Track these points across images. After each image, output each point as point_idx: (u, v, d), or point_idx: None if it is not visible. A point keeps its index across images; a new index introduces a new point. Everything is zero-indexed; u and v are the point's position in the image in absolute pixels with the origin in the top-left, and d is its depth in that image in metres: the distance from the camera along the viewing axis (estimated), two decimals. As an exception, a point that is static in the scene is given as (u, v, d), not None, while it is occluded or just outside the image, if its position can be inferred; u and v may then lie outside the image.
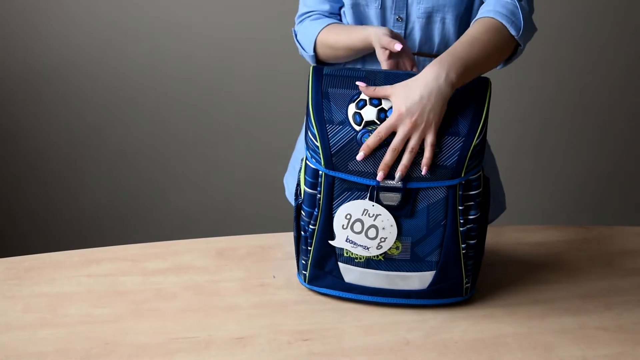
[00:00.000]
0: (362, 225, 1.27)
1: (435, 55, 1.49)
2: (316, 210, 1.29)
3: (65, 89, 2.64)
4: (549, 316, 1.32)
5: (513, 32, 1.37)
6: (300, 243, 1.35)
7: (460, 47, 1.29)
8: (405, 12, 1.47)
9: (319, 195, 1.28)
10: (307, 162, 1.29)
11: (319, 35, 1.50)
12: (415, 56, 1.48)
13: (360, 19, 1.50)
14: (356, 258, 1.31)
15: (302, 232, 1.33)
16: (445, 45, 1.49)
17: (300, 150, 1.69)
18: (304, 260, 1.35)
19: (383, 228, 1.26)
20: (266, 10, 2.62)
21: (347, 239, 1.28)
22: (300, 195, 1.32)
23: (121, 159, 2.75)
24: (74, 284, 1.39)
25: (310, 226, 1.30)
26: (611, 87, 2.91)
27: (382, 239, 1.27)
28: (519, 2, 1.40)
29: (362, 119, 1.25)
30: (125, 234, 2.76)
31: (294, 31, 1.57)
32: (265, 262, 1.47)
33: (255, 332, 1.26)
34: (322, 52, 1.51)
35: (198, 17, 2.62)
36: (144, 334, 1.26)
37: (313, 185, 1.28)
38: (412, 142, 1.23)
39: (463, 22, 1.51)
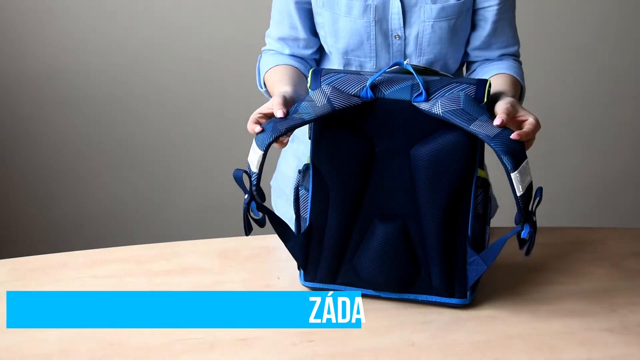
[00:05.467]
0: None
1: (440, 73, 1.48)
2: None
3: (70, 90, 2.64)
4: (554, 317, 1.32)
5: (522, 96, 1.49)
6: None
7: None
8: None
9: None
10: None
11: (270, 70, 1.49)
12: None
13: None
14: None
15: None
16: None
17: (283, 172, 1.69)
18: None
19: None
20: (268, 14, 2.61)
21: None
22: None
23: (125, 161, 2.76)
24: (78, 285, 1.39)
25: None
26: (615, 86, 2.91)
27: None
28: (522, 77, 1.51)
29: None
30: (130, 235, 2.76)
31: (259, 57, 1.56)
32: (269, 263, 1.47)
33: (260, 333, 1.26)
34: (267, 83, 1.50)
35: (201, 19, 2.63)
36: (149, 335, 1.26)
37: None
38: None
39: (463, 59, 1.54)
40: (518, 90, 1.45)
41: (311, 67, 1.53)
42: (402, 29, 1.43)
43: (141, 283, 1.40)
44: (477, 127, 1.21)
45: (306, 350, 1.23)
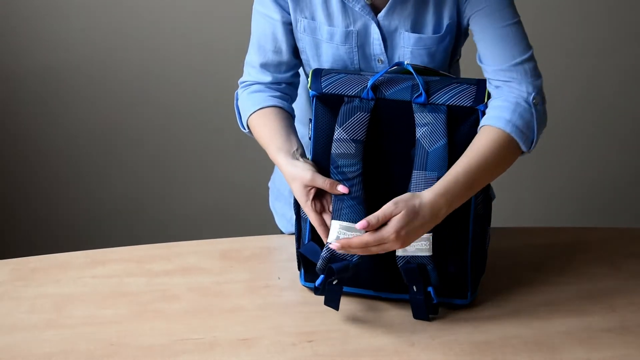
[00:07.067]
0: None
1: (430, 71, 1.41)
2: None
3: (71, 91, 2.64)
4: (554, 318, 1.32)
5: (524, 149, 1.30)
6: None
7: (467, 175, 1.25)
8: None
9: None
10: None
11: (251, 116, 1.42)
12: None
13: None
14: None
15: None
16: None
17: (281, 173, 1.67)
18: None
19: None
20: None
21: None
22: None
23: (126, 161, 2.76)
24: (79, 285, 1.39)
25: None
26: (615, 85, 2.91)
27: None
28: (535, 107, 1.31)
29: None
30: (130, 235, 2.76)
31: (236, 94, 1.49)
32: (270, 263, 1.47)
33: (260, 333, 1.27)
34: (253, 132, 1.44)
35: (202, 23, 2.62)
36: (149, 335, 1.26)
37: None
38: (384, 250, 1.22)
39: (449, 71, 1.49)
40: (488, 153, 1.27)
41: (289, 96, 1.47)
42: (384, 53, 1.40)
43: (141, 283, 1.40)
44: (415, 177, 1.26)
45: (306, 350, 1.23)
